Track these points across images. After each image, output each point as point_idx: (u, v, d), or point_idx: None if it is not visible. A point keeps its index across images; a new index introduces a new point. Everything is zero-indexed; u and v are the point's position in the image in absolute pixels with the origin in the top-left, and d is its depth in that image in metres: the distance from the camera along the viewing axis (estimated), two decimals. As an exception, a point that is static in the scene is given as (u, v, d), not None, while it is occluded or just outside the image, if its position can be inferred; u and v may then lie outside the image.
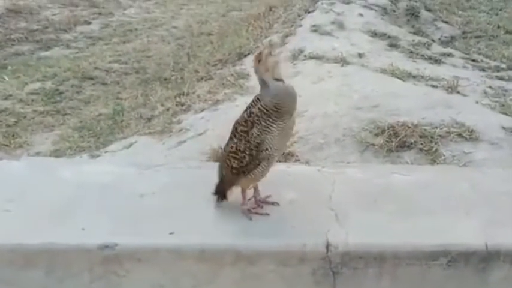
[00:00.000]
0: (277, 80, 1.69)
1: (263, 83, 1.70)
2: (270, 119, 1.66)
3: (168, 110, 4.25)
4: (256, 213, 1.81)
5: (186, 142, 3.44)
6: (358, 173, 2.14)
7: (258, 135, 1.67)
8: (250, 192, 1.86)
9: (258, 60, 1.69)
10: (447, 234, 1.75)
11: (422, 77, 4.03)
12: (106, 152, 3.68)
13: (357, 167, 2.39)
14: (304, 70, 4.13)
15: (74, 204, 1.85)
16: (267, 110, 1.67)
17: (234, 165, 1.74)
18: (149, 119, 4.26)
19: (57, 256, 1.68)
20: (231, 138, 1.77)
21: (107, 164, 2.76)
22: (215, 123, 3.54)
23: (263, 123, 1.67)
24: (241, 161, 1.72)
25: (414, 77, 4.02)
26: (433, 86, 3.84)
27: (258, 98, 1.71)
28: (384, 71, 4.09)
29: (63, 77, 5.51)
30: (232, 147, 1.74)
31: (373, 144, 2.96)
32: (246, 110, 1.73)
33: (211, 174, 1.87)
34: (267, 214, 1.81)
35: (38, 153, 3.95)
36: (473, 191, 1.99)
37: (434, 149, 2.88)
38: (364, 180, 2.06)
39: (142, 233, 1.73)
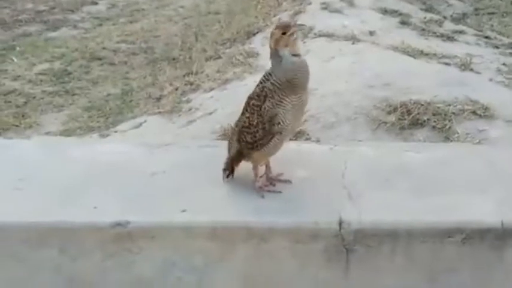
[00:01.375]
0: (295, 55, 1.67)
1: (277, 57, 1.67)
2: (283, 93, 1.65)
3: (176, 89, 4.23)
4: (269, 190, 1.80)
5: (195, 121, 3.43)
6: (370, 151, 2.10)
7: (271, 108, 1.66)
8: (261, 170, 1.85)
9: (283, 32, 1.65)
10: (462, 212, 1.73)
11: (435, 54, 3.96)
12: (116, 131, 3.69)
13: (369, 145, 2.36)
14: (315, 48, 4.08)
15: (85, 183, 1.85)
16: (279, 84, 1.65)
17: (248, 140, 1.73)
18: (158, 99, 4.24)
19: (70, 234, 1.68)
20: (243, 113, 1.75)
21: (118, 143, 2.75)
22: (224, 102, 3.52)
23: (276, 97, 1.65)
24: (254, 135, 1.71)
25: (426, 54, 3.95)
26: (445, 64, 3.78)
27: (269, 73, 1.68)
28: (395, 48, 4.03)
29: (71, 57, 5.50)
30: (245, 121, 1.73)
31: (385, 122, 2.93)
32: (258, 85, 1.70)
33: (222, 152, 1.86)
34: (279, 192, 1.80)
35: (48, 133, 3.97)
36: (488, 169, 1.96)
37: (447, 126, 2.84)
38: (376, 158, 2.03)
39: (155, 211, 1.72)
